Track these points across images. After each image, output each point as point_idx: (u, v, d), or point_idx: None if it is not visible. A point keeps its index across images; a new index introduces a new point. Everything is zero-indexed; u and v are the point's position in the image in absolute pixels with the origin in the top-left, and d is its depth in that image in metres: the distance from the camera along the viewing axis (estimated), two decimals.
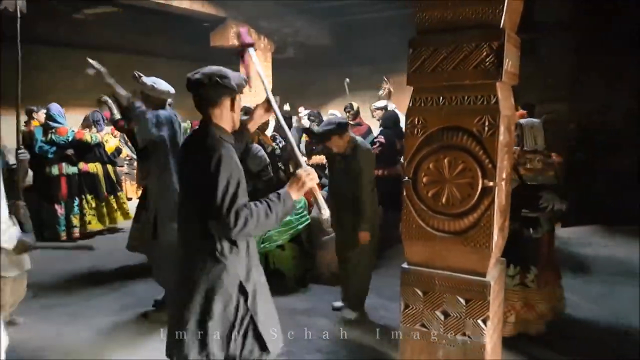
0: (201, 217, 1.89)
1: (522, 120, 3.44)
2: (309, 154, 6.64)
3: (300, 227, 4.52)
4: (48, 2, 5.27)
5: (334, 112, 7.33)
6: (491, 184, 2.06)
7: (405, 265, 2.29)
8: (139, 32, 8.29)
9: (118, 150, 6.90)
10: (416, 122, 2.15)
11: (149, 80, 3.55)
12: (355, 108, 6.47)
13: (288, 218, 4.54)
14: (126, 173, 7.29)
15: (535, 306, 3.29)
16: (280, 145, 4.99)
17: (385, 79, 6.80)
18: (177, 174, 2.05)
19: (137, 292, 4.41)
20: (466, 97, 2.09)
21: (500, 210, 2.18)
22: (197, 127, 2.05)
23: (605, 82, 6.72)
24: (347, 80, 7.01)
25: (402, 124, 5.29)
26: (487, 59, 2.04)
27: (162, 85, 3.58)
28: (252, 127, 2.32)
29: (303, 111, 6.26)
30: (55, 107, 5.98)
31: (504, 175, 2.19)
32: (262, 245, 4.55)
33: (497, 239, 2.18)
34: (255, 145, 4.25)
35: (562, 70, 7.20)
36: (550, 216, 3.30)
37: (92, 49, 7.06)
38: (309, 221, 4.58)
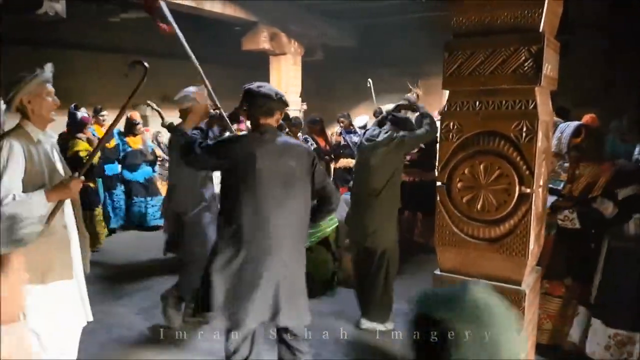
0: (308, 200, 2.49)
1: (561, 124, 3.38)
2: (336, 157, 6.64)
3: (328, 229, 4.51)
4: (86, 6, 5.42)
5: (363, 117, 7.30)
6: (528, 190, 2.02)
7: (437, 272, 2.26)
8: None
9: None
10: (451, 127, 2.13)
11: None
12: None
13: None
14: (159, 174, 7.42)
15: (572, 318, 3.20)
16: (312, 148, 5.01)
17: (416, 85, 6.74)
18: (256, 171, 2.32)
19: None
20: (504, 102, 2.05)
21: (537, 217, 2.13)
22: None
23: None
24: (370, 81, 6.98)
25: None
26: (526, 64, 2.00)
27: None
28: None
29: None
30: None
31: (541, 182, 2.14)
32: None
33: (533, 247, 2.13)
34: None
35: (596, 73, 7.01)
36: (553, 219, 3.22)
37: (125, 52, 7.23)
38: (336, 224, 4.57)
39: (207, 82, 3.22)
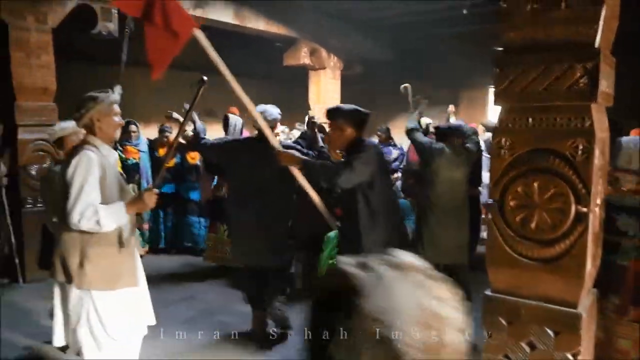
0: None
1: (624, 138, 3.26)
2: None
3: None
4: (137, 25, 5.64)
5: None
6: (585, 210, 1.95)
7: (488, 292, 2.21)
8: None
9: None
10: (503, 143, 2.09)
11: (260, 107, 3.68)
12: (424, 126, 6.39)
13: None
14: None
15: (615, 341, 3.05)
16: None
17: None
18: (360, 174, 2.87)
19: (208, 300, 4.56)
20: (558, 119, 2.00)
21: (594, 237, 2.06)
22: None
23: None
24: (408, 86, 6.85)
25: None
26: (581, 80, 1.95)
27: (272, 112, 3.71)
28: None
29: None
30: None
31: (598, 201, 2.07)
32: (330, 262, 4.56)
33: (590, 268, 2.06)
34: None
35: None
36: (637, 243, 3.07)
37: (170, 68, 7.44)
38: None
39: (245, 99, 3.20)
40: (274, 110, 3.71)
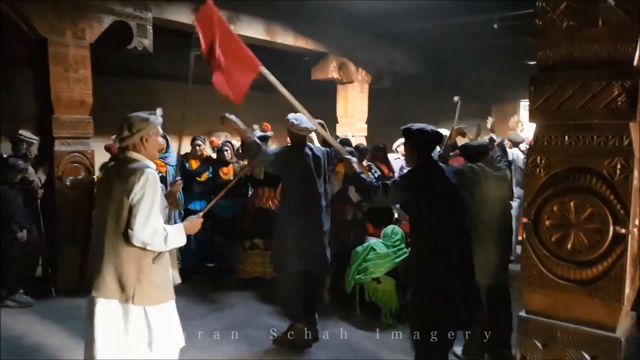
0: None
1: None
2: None
3: (397, 260, 4.45)
4: (171, 40, 5.81)
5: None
6: (623, 231, 1.91)
7: (522, 314, 2.17)
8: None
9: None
10: (538, 162, 2.06)
11: (290, 116, 3.83)
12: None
13: (385, 250, 4.52)
14: None
15: None
16: (376, 175, 5.02)
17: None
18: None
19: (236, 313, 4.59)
20: (595, 137, 1.96)
21: (633, 259, 2.00)
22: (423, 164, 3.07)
23: None
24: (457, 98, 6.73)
25: None
26: (619, 98, 1.91)
27: (303, 122, 3.79)
28: None
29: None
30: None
31: (637, 222, 2.02)
32: (357, 277, 4.55)
33: (629, 291, 2.00)
34: None
35: None
36: None
37: (202, 83, 7.58)
38: (406, 254, 4.51)
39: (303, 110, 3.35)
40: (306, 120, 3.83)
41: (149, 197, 2.31)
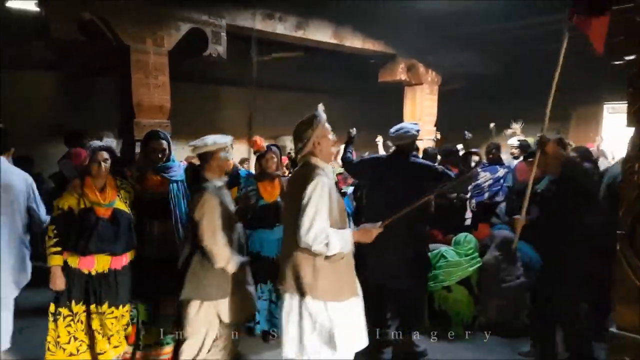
0: None
1: None
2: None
3: (470, 269, 4.30)
4: (242, 47, 5.96)
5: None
6: None
7: (614, 330, 2.01)
8: (312, 71, 8.92)
9: None
10: (636, 169, 1.90)
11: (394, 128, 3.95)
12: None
13: (457, 259, 4.37)
14: None
15: None
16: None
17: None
18: None
19: None
20: None
21: None
22: None
23: None
24: (492, 125, 6.62)
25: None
26: None
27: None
28: None
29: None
30: None
31: None
32: (427, 284, 4.43)
33: None
34: None
35: None
36: None
37: (269, 88, 7.72)
38: (479, 264, 4.34)
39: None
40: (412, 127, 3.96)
41: (314, 203, 2.42)
